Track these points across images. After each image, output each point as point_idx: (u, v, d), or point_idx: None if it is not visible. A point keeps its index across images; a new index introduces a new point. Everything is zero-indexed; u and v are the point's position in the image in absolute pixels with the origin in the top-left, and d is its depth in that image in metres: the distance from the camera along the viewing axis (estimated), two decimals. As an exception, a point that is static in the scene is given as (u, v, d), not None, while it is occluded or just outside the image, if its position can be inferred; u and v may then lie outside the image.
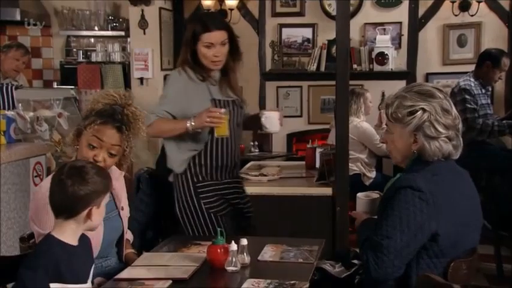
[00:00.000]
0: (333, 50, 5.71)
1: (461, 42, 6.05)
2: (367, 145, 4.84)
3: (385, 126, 2.37)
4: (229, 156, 3.01)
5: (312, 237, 2.66)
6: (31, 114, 4.42)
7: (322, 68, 6.07)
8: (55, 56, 6.66)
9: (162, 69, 6.05)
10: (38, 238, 2.22)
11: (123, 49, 6.40)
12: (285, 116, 3.43)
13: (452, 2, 5.94)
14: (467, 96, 4.63)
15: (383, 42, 5.90)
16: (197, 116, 2.82)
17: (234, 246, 2.21)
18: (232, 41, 2.98)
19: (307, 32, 6.26)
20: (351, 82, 3.47)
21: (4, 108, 4.27)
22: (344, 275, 2.40)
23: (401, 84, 5.36)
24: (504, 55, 4.81)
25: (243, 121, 3.13)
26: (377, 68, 5.93)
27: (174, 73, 3.02)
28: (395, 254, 2.03)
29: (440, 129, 2.11)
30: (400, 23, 6.06)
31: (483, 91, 4.77)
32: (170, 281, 2.11)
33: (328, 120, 5.33)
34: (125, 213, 2.54)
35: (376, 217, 2.24)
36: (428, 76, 6.11)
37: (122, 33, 6.38)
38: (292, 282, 2.07)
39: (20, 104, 4.40)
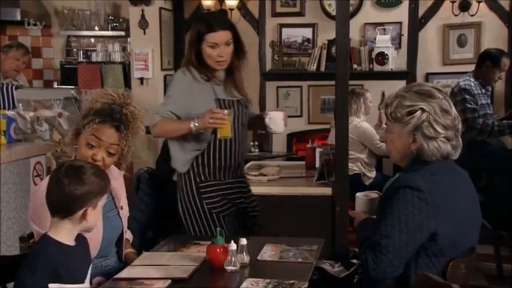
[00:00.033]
0: (333, 50, 5.71)
1: (461, 42, 6.05)
2: (367, 145, 4.84)
3: (385, 125, 2.37)
4: (232, 156, 3.00)
5: (311, 237, 2.67)
6: (31, 114, 4.43)
7: (322, 68, 6.07)
8: (55, 56, 6.66)
9: (162, 69, 6.06)
10: (37, 237, 2.22)
11: (124, 49, 6.40)
12: (286, 116, 3.42)
13: (452, 2, 5.94)
14: (467, 96, 4.63)
15: (383, 42, 5.90)
16: (200, 117, 2.81)
17: (233, 245, 2.21)
18: (237, 41, 2.98)
19: (307, 32, 6.26)
20: (351, 82, 3.47)
21: (4, 108, 4.28)
22: (343, 275, 2.40)
23: (401, 84, 5.36)
24: (504, 55, 4.81)
25: (248, 121, 3.11)
26: (377, 68, 5.93)
27: (178, 73, 3.01)
28: (394, 253, 2.03)
29: (439, 130, 2.11)
30: (400, 23, 6.06)
31: (483, 91, 4.77)
32: (169, 281, 2.12)
33: (328, 120, 5.33)
34: (124, 213, 2.55)
35: (375, 217, 2.24)
36: (428, 76, 6.11)
37: (122, 33, 6.39)
38: (292, 281, 2.07)
39: (20, 104, 4.40)
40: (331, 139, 4.46)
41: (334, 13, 5.15)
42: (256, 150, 5.94)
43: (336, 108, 3.26)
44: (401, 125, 2.16)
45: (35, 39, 6.62)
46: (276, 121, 3.01)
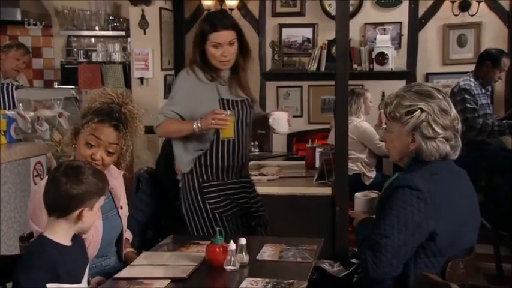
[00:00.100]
0: (333, 50, 5.69)
1: (461, 42, 6.05)
2: (367, 145, 4.84)
3: (384, 125, 2.38)
4: (235, 156, 2.98)
5: (311, 237, 2.67)
6: (31, 114, 4.43)
7: (322, 68, 6.07)
8: (56, 56, 6.67)
9: (162, 69, 6.06)
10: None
11: (124, 49, 6.40)
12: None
13: (452, 2, 5.94)
14: (467, 96, 4.64)
15: (383, 42, 5.90)
16: (203, 118, 2.80)
17: (232, 245, 2.22)
18: (242, 40, 2.97)
19: (307, 32, 6.26)
20: (351, 82, 3.47)
21: (5, 108, 4.28)
22: (342, 274, 2.41)
23: (401, 84, 5.35)
24: (504, 55, 4.81)
25: (253, 121, 3.09)
26: (377, 68, 5.93)
27: (182, 73, 3.00)
28: (393, 253, 2.03)
29: (438, 130, 2.12)
30: (400, 23, 6.05)
31: (483, 91, 4.77)
32: (169, 280, 2.12)
33: (328, 120, 5.33)
34: (124, 212, 2.55)
35: (374, 216, 2.24)
36: (428, 76, 6.11)
37: (123, 33, 6.39)
38: (291, 281, 2.08)
39: (20, 104, 4.41)
40: (331, 139, 4.46)
41: (334, 13, 5.13)
42: (256, 150, 5.93)
43: (336, 108, 3.26)
44: (401, 124, 2.17)
45: (35, 39, 6.62)
46: (280, 121, 2.99)
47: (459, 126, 2.18)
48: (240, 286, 2.06)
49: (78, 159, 2.33)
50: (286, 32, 6.27)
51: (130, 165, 2.60)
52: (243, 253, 2.27)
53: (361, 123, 4.85)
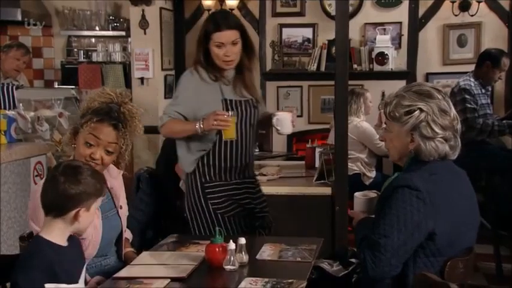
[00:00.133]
0: (333, 50, 5.68)
1: (461, 42, 6.05)
2: (367, 145, 4.85)
3: (384, 125, 2.38)
4: (238, 157, 2.96)
5: (311, 237, 2.67)
6: (32, 114, 4.43)
7: (323, 68, 6.07)
8: (56, 56, 6.67)
9: (162, 69, 6.06)
10: (36, 236, 2.23)
11: (124, 49, 6.40)
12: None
13: (452, 2, 5.94)
14: (467, 96, 4.64)
15: (383, 42, 5.91)
16: (205, 119, 2.79)
17: (232, 245, 2.22)
18: (246, 40, 2.95)
19: (308, 32, 6.26)
20: (351, 82, 3.48)
21: (5, 108, 4.29)
22: (341, 274, 2.41)
23: (401, 84, 5.35)
24: (504, 55, 4.81)
25: (258, 121, 3.07)
26: (377, 68, 5.93)
27: (186, 73, 2.99)
28: (393, 252, 2.03)
29: (437, 130, 2.12)
30: (400, 23, 6.06)
31: (483, 91, 4.77)
32: (169, 280, 2.12)
33: (328, 120, 5.34)
34: (124, 212, 2.55)
35: (373, 216, 2.25)
36: (428, 76, 6.11)
37: (123, 33, 6.39)
38: (290, 281, 2.08)
39: (20, 104, 4.41)
40: (331, 139, 4.46)
41: (334, 13, 5.14)
42: (256, 150, 5.93)
43: (336, 108, 3.26)
44: (400, 124, 2.17)
45: (35, 39, 6.63)
46: (284, 122, 2.97)
47: (459, 126, 2.18)
48: (240, 286, 2.07)
49: (78, 158, 2.33)
50: (286, 32, 6.28)
51: (130, 165, 2.60)
52: (243, 253, 2.27)
53: (361, 123, 4.85)
